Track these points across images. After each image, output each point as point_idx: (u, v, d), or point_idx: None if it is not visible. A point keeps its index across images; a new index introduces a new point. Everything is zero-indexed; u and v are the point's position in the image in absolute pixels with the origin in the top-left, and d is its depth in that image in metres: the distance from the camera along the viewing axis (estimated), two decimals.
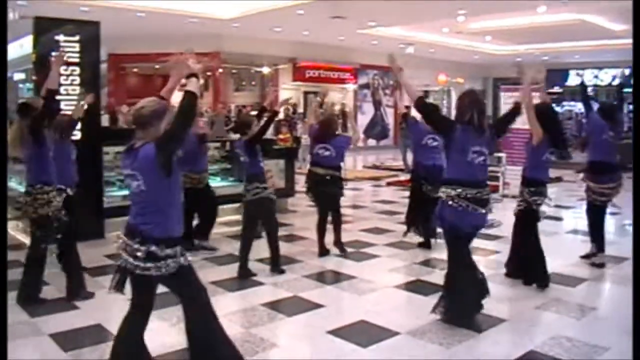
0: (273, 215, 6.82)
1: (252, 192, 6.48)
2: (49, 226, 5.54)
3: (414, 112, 6.20)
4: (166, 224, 3.61)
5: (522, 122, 11.80)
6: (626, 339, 4.92)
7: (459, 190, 4.90)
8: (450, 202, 4.92)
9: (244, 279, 6.48)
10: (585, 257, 7.20)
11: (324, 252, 7.52)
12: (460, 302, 5.14)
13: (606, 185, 6.82)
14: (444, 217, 5.01)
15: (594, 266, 7.02)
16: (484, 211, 4.97)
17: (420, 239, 8.00)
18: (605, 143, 6.79)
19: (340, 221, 7.65)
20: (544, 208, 6.30)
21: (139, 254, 3.53)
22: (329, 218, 7.54)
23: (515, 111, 5.50)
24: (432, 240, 7.82)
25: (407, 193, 12.12)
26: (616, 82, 7.85)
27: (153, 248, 3.52)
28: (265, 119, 6.81)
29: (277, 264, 6.75)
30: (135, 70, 21.89)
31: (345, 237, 7.73)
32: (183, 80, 3.85)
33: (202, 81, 21.63)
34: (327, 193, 7.36)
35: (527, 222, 6.22)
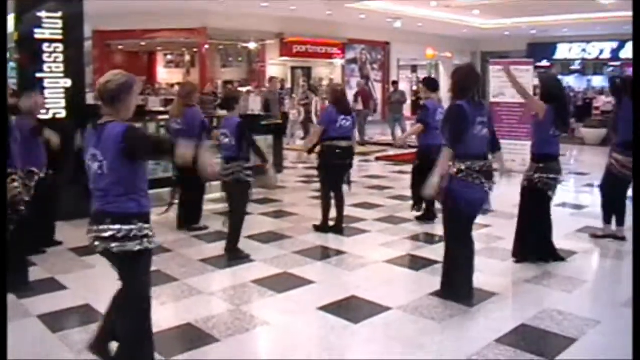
0: (246, 199, 6.56)
1: (234, 171, 6.26)
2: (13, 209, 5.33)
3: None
4: (135, 202, 3.45)
5: (510, 96, 11.89)
6: (617, 312, 4.95)
7: (468, 163, 4.86)
8: (460, 176, 4.87)
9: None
10: (599, 236, 7.18)
11: (326, 228, 7.48)
12: (460, 277, 5.12)
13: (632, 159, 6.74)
14: (453, 191, 4.91)
15: (616, 239, 7.01)
16: (489, 185, 4.95)
17: (419, 213, 8.05)
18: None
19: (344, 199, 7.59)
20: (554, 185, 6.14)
21: (114, 233, 3.39)
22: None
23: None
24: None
25: (400, 168, 12.19)
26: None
27: (125, 226, 3.40)
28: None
29: (232, 249, 6.44)
30: (120, 47, 21.64)
31: (334, 212, 7.68)
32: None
33: (188, 57, 21.55)
34: (345, 165, 7.34)
35: (536, 199, 6.10)
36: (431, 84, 8.20)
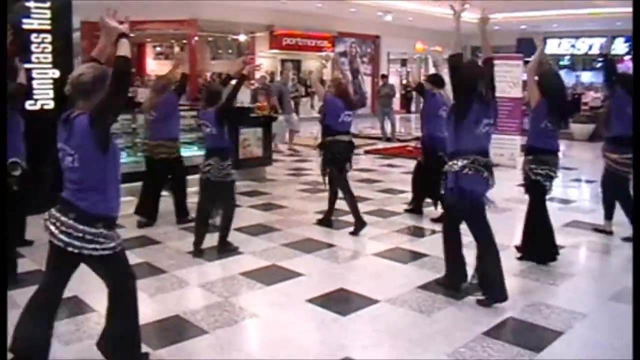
0: (233, 197, 6.56)
1: (213, 170, 6.15)
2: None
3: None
4: (105, 202, 3.38)
5: (499, 90, 11.88)
6: (604, 306, 4.99)
7: (472, 158, 4.83)
8: (466, 171, 4.84)
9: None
10: (600, 231, 7.21)
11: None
12: (459, 269, 5.16)
13: (627, 156, 6.60)
14: (462, 187, 4.87)
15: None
16: (492, 180, 4.95)
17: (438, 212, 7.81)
18: (628, 117, 6.51)
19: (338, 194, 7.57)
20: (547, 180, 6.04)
21: (72, 231, 3.30)
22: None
23: (489, 68, 5.31)
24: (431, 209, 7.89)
25: (389, 161, 12.19)
26: (605, 51, 7.82)
27: (88, 227, 3.32)
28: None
29: (224, 244, 6.39)
30: None
31: (324, 206, 7.68)
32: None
33: (178, 49, 21.41)
34: (347, 159, 7.26)
35: (531, 195, 6.11)
36: (438, 81, 8.08)
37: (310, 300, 5.00)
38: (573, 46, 27.79)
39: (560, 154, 6.08)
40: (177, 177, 7.52)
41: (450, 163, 4.91)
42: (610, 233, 7.08)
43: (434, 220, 7.55)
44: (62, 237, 3.31)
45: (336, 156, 7.12)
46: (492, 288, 4.91)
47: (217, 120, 6.15)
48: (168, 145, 7.30)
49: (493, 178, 4.95)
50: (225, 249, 6.34)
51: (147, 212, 7.42)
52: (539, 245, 6.08)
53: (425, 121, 7.94)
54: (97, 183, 3.35)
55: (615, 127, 6.79)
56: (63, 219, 3.32)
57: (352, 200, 7.28)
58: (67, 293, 5.00)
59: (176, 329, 4.45)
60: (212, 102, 6.31)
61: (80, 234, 3.31)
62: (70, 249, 3.32)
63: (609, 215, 7.12)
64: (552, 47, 28.31)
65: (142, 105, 7.82)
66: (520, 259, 6.12)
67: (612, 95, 7.11)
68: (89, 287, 4.52)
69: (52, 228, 3.34)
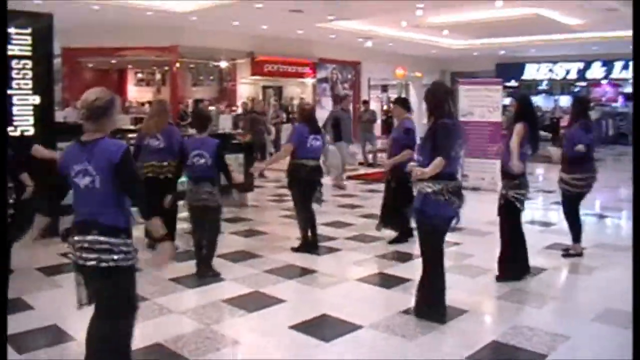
0: (219, 222, 6.60)
1: (207, 196, 6.27)
2: None
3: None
4: (124, 216, 3.54)
5: (479, 115, 12.06)
6: (586, 327, 5.01)
7: (443, 183, 4.86)
8: (433, 197, 4.86)
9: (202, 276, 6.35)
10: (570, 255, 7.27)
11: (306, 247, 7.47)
12: (434, 295, 5.13)
13: (574, 175, 6.95)
14: (425, 211, 4.93)
15: (568, 256, 7.18)
16: (459, 204, 4.97)
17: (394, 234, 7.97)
18: (569, 136, 6.98)
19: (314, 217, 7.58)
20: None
21: (98, 245, 3.40)
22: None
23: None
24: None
25: (371, 187, 12.22)
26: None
27: (114, 239, 3.43)
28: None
29: (208, 267, 6.43)
30: (90, 64, 21.44)
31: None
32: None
33: (159, 75, 21.41)
34: (314, 183, 7.31)
35: (507, 217, 6.19)
36: (406, 104, 8.18)
37: (293, 327, 4.96)
38: (551, 71, 28.17)
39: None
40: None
41: (424, 184, 4.90)
42: (579, 255, 7.17)
43: (391, 243, 7.77)
44: (92, 255, 3.42)
45: (301, 179, 7.20)
46: (434, 309, 5.05)
47: (217, 154, 6.24)
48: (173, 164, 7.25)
49: (462, 201, 5.00)
50: (208, 274, 6.31)
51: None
52: (515, 263, 6.20)
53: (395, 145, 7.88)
54: (115, 201, 3.48)
55: (566, 150, 7.03)
56: (86, 237, 3.42)
57: (306, 224, 7.38)
58: (45, 322, 4.98)
59: (158, 357, 4.39)
60: (204, 128, 6.42)
61: (107, 246, 3.41)
62: (103, 264, 3.41)
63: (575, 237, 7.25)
64: (531, 72, 28.73)
65: (145, 128, 7.59)
66: (499, 280, 6.16)
67: (573, 123, 7.32)
68: (67, 315, 4.48)
69: (79, 253, 3.45)
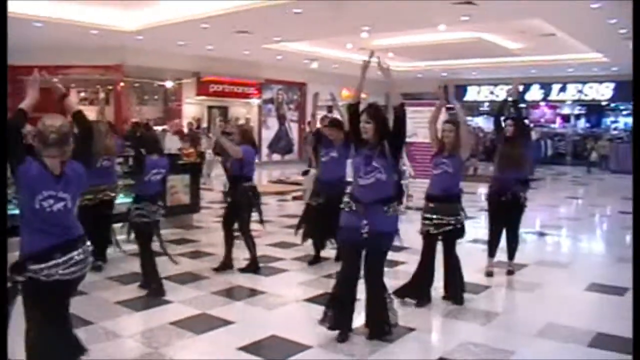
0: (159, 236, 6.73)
1: (155, 213, 6.45)
2: None
3: None
4: (79, 227, 3.71)
5: (423, 136, 12.25)
6: (529, 342, 5.13)
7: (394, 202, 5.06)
8: (397, 217, 5.09)
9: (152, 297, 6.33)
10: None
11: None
12: (381, 313, 5.20)
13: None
14: (392, 232, 5.06)
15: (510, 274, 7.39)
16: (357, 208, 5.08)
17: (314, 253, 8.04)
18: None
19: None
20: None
21: (81, 257, 3.59)
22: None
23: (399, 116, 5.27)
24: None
25: None
26: (511, 98, 8.22)
27: (76, 251, 3.59)
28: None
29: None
30: None
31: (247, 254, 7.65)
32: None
33: (102, 95, 21.11)
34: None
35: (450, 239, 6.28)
36: (342, 125, 8.29)
37: (242, 348, 4.95)
38: (492, 92, 28.82)
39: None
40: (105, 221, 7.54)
41: (389, 206, 4.99)
42: (489, 274, 7.33)
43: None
44: (80, 266, 3.60)
45: (253, 201, 7.40)
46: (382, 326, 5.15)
47: (170, 169, 6.59)
48: (112, 187, 7.49)
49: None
50: (154, 296, 6.34)
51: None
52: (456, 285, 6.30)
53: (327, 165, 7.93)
54: (74, 215, 3.68)
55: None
56: (77, 252, 3.58)
57: (253, 244, 7.49)
58: None
59: None
60: (154, 149, 6.54)
61: (87, 255, 3.66)
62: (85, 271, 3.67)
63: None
64: (473, 93, 29.36)
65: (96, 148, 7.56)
66: (445, 299, 6.26)
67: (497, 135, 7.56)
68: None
69: (72, 268, 3.55)
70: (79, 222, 3.73)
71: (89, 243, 3.71)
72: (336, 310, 5.14)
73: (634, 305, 3.79)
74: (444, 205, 6.04)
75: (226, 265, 7.49)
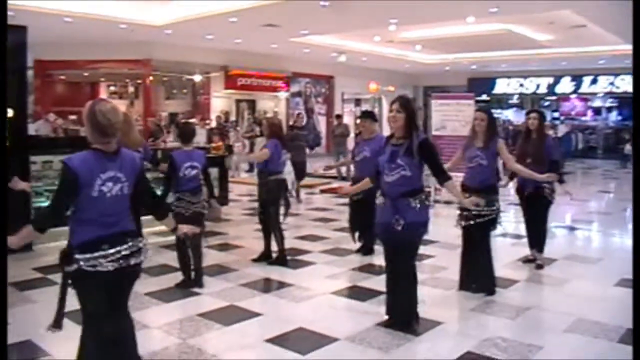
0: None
1: (198, 204, 6.44)
2: None
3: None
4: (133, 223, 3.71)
5: (451, 129, 12.20)
6: (558, 338, 5.09)
7: (424, 193, 5.09)
8: (428, 207, 5.10)
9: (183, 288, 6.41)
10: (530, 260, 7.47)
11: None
12: (407, 306, 5.20)
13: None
14: (424, 222, 5.07)
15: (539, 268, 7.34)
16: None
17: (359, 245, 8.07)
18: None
19: None
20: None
21: (134, 250, 3.56)
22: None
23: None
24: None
25: (342, 200, 12.25)
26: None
27: (138, 242, 3.61)
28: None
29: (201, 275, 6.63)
30: (62, 77, 21.32)
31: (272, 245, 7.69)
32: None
33: (132, 89, 21.31)
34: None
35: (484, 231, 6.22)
36: (375, 117, 8.25)
37: (270, 340, 4.98)
38: (522, 85, 28.54)
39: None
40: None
41: (417, 198, 4.99)
42: (533, 260, 7.39)
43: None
44: (133, 259, 3.57)
45: (280, 195, 7.41)
46: (406, 315, 5.20)
47: (205, 166, 6.51)
48: None
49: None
50: (199, 284, 6.49)
51: None
52: (486, 277, 6.26)
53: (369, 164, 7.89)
54: (128, 208, 3.66)
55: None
56: (122, 247, 3.50)
57: (282, 237, 7.50)
58: (19, 337, 4.93)
59: None
60: (188, 140, 6.54)
61: (139, 248, 3.61)
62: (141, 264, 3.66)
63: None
64: (502, 86, 29.09)
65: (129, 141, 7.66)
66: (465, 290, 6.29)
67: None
68: (44, 331, 4.42)
69: (121, 261, 3.50)
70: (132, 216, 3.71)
71: (141, 238, 3.65)
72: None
73: (633, 307, 3.74)
74: (481, 195, 5.99)
75: (265, 255, 7.57)
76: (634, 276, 4.05)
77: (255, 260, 7.53)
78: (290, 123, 16.89)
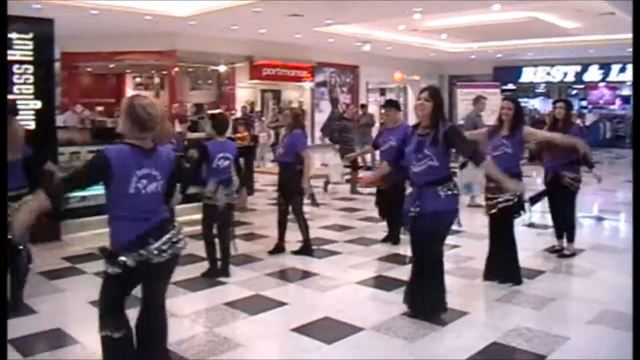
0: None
1: (230, 195, 6.48)
2: None
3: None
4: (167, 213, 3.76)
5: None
6: (584, 329, 5.05)
7: (452, 182, 5.09)
8: (456, 196, 5.09)
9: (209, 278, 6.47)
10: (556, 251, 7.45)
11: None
12: (434, 296, 5.20)
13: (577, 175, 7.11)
14: (452, 211, 5.07)
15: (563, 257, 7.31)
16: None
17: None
18: None
19: None
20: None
21: (176, 237, 3.61)
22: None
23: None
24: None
25: (370, 190, 12.25)
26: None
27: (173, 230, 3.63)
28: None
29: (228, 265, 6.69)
30: (88, 69, 21.52)
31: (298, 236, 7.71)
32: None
33: (157, 80, 21.43)
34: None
35: (509, 220, 6.19)
36: (399, 106, 8.22)
37: (295, 329, 5.01)
38: (548, 74, 28.24)
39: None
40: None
41: (444, 186, 4.99)
42: (560, 250, 7.36)
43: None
44: (171, 250, 3.58)
45: (294, 185, 7.35)
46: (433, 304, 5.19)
47: (236, 157, 6.55)
48: None
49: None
50: (226, 273, 6.57)
51: None
52: (511, 266, 6.23)
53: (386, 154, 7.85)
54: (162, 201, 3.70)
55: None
56: (166, 237, 3.55)
57: (307, 227, 7.52)
58: (49, 325, 5.02)
59: None
60: (222, 131, 6.60)
61: (176, 237, 3.62)
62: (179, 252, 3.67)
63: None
64: (529, 75, 28.80)
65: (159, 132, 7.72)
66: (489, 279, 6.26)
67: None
68: (70, 318, 4.52)
69: (170, 251, 3.57)
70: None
71: (176, 224, 3.69)
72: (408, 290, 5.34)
73: (633, 307, 3.69)
74: None
75: (279, 248, 7.58)
76: (634, 277, 4.00)
77: (270, 253, 7.53)
78: (342, 114, 16.52)
